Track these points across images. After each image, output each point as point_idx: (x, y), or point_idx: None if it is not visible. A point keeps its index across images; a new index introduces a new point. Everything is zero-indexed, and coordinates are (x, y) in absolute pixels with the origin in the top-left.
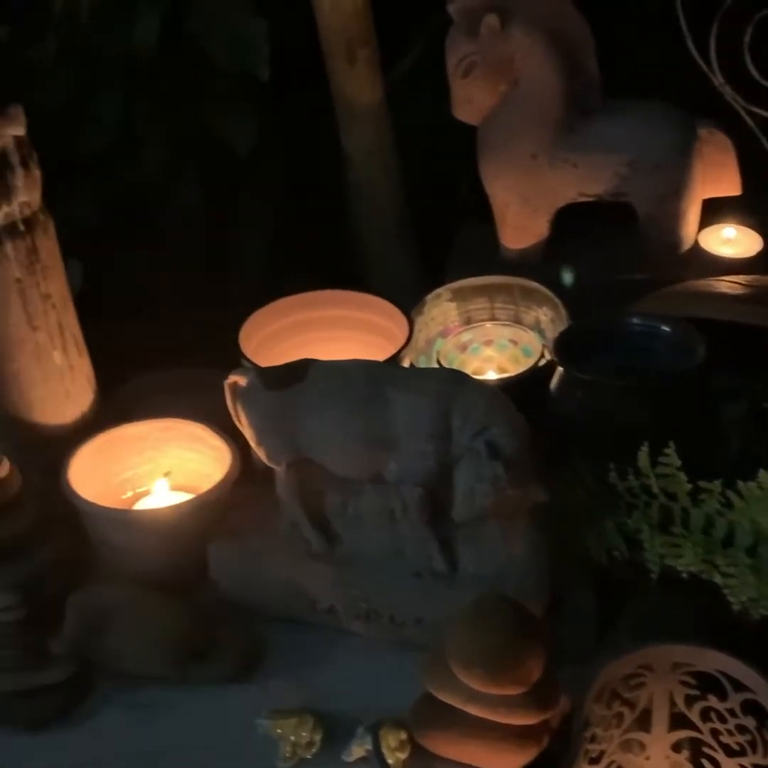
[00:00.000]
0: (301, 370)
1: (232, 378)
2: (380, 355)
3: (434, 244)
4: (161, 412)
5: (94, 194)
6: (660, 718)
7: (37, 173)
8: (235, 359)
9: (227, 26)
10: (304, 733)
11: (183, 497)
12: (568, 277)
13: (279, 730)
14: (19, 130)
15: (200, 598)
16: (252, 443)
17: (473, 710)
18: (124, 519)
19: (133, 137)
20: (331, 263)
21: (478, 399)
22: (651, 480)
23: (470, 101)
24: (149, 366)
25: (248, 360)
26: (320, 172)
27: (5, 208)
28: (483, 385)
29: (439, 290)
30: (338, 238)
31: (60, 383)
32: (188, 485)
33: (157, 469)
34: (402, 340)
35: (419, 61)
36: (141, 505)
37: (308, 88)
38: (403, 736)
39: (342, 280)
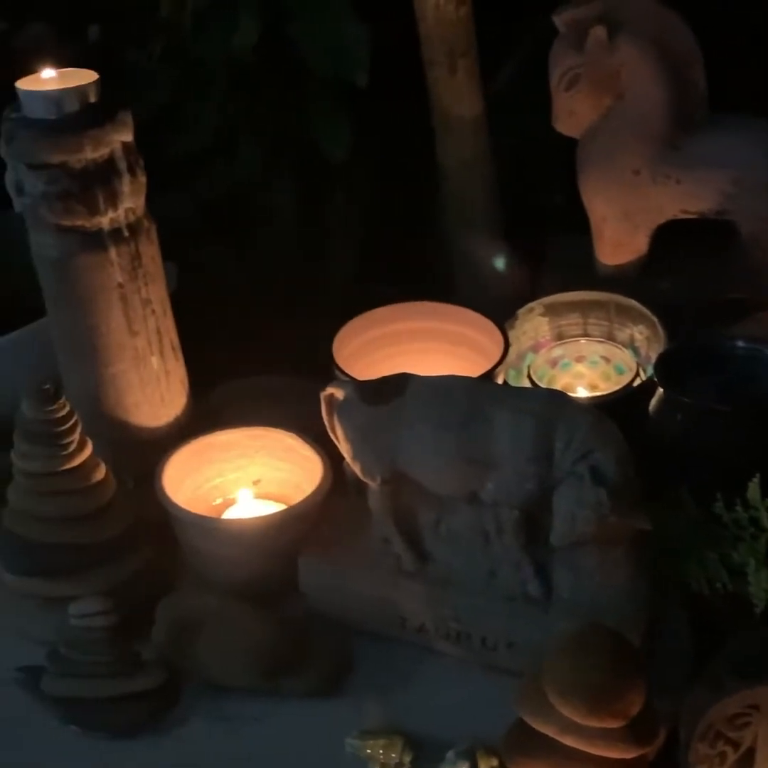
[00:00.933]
0: (399, 384)
1: (329, 390)
2: (473, 369)
3: (527, 256)
4: (249, 420)
5: (187, 197)
6: (765, 757)
7: (142, 179)
8: (325, 368)
9: (328, 32)
10: (393, 755)
11: (270, 506)
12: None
13: (368, 751)
14: (127, 136)
15: (288, 610)
16: (347, 457)
17: (569, 741)
18: (216, 528)
19: (229, 140)
20: (419, 273)
21: (582, 422)
22: (761, 513)
23: (572, 114)
24: (236, 371)
25: (342, 371)
26: (412, 181)
27: (111, 214)
28: (588, 407)
29: (531, 304)
30: (428, 249)
31: (156, 388)
32: (277, 494)
33: (245, 477)
34: (496, 356)
35: (516, 73)
36: (229, 513)
37: (404, 96)
38: (495, 762)
39: (430, 291)
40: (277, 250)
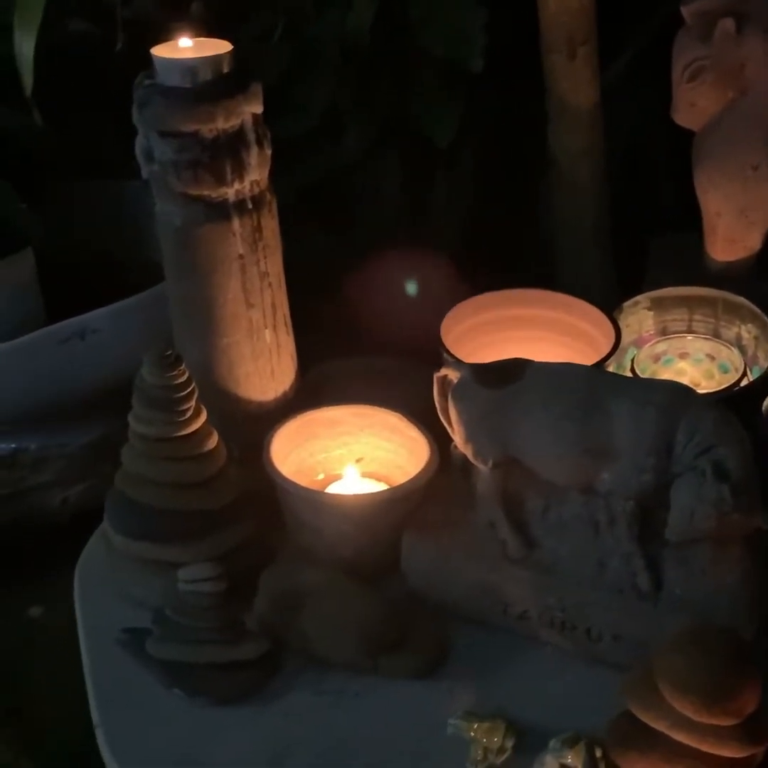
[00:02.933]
0: (518, 369)
1: (443, 371)
2: (580, 360)
3: (630, 249)
4: (348, 399)
5: (293, 176)
6: None
7: (268, 152)
8: (427, 350)
9: (445, 16)
10: (495, 739)
11: (373, 485)
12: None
13: (472, 733)
14: (258, 108)
15: (388, 589)
16: (459, 439)
17: (679, 737)
18: (325, 502)
19: (335, 123)
20: (519, 261)
21: (706, 416)
22: None
23: (693, 106)
24: (333, 353)
25: (450, 354)
26: (519, 168)
27: (237, 185)
28: (712, 402)
29: (637, 298)
30: (530, 237)
31: (267, 361)
32: (379, 473)
33: (349, 455)
34: (605, 347)
35: (630, 64)
36: (332, 489)
37: (515, 81)
38: (599, 753)
39: (530, 278)
40: (379, 233)
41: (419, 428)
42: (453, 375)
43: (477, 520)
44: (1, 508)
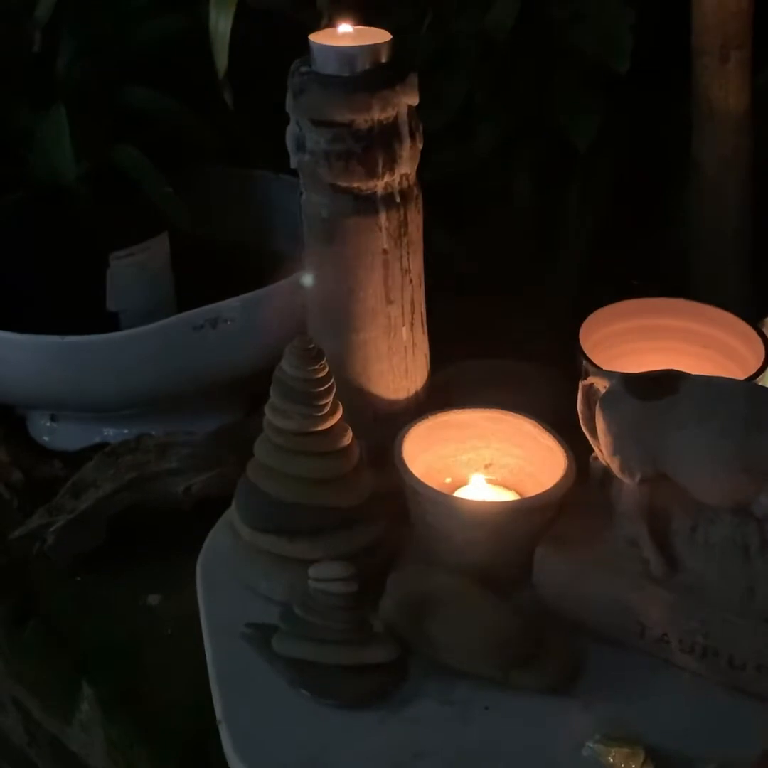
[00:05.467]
0: (672, 381)
1: (591, 380)
2: (724, 374)
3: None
4: (483, 401)
5: (423, 171)
6: None
7: (420, 145)
8: (560, 356)
9: (593, 15)
10: (633, 766)
11: (501, 493)
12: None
13: (610, 759)
14: (414, 100)
15: (517, 600)
16: (605, 451)
17: None
18: (458, 507)
19: (471, 119)
20: (653, 268)
21: None
22: None
23: None
24: (459, 355)
25: (590, 361)
26: (657, 174)
27: (387, 178)
28: None
29: None
30: (665, 245)
31: (402, 359)
32: (508, 481)
33: (477, 460)
34: (751, 363)
35: None
36: (460, 493)
37: (658, 86)
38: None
39: (665, 287)
40: (507, 236)
41: (555, 437)
42: (601, 384)
43: (616, 536)
44: (126, 491)
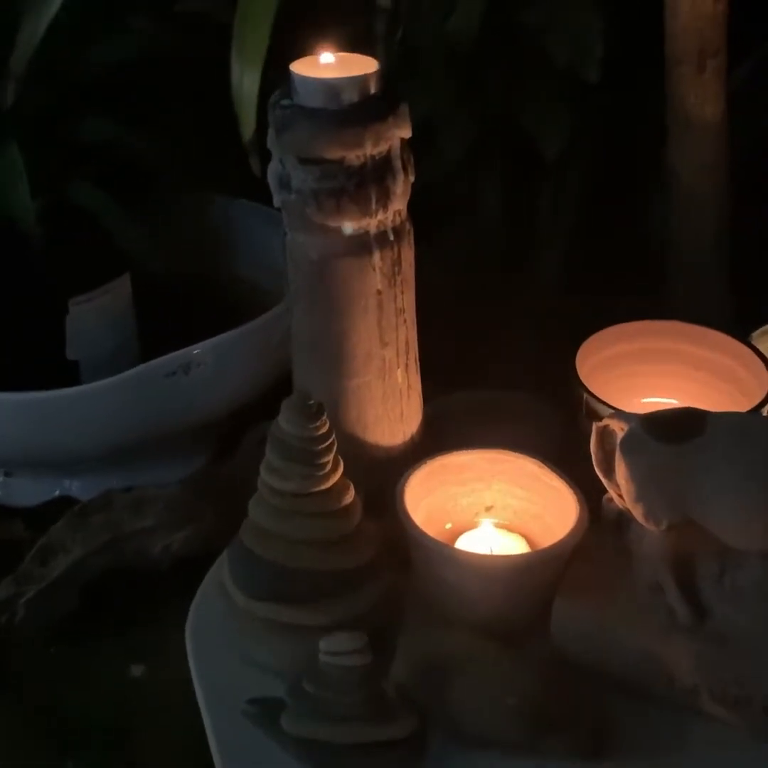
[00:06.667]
0: (696, 422)
1: (607, 422)
2: (727, 401)
3: (746, 270)
4: (479, 441)
5: None
6: None
7: (412, 178)
8: (549, 385)
9: (562, 22)
10: None
11: (511, 538)
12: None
13: None
14: (407, 132)
15: (535, 653)
16: (627, 498)
17: None
18: (474, 563)
19: (434, 129)
20: (628, 279)
21: None
22: None
23: None
24: (440, 380)
25: (593, 396)
26: (627, 184)
27: (380, 216)
28: None
29: (767, 326)
30: (639, 255)
31: (397, 403)
32: (513, 523)
33: (478, 503)
34: (754, 389)
35: (753, 72)
36: (463, 540)
37: (628, 94)
38: None
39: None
40: (477, 249)
41: (562, 477)
42: (618, 426)
43: (638, 583)
44: (99, 555)
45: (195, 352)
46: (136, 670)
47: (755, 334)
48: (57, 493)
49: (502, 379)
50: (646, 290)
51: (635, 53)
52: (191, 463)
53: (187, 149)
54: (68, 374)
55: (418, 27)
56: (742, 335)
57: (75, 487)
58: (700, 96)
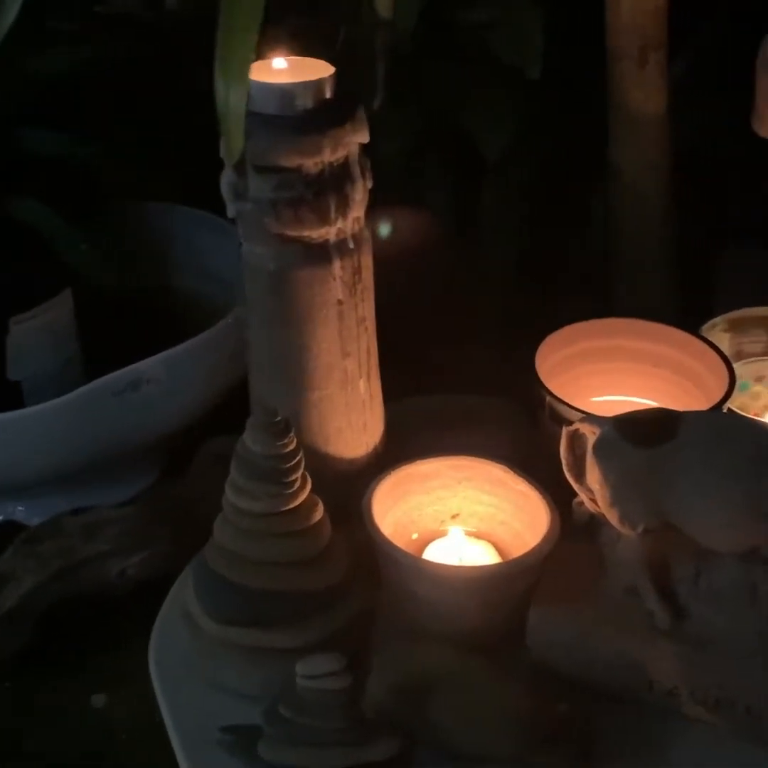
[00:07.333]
0: (670, 423)
1: (578, 426)
2: (686, 398)
3: (694, 266)
4: (433, 444)
5: None
6: None
7: (370, 184)
8: (503, 385)
9: (502, 19)
10: None
11: (476, 545)
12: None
13: None
14: (364, 137)
15: (513, 663)
16: (601, 502)
17: None
18: (449, 576)
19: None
20: (574, 279)
21: None
22: None
23: None
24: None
25: (555, 397)
26: (573, 181)
27: (339, 224)
28: None
29: (715, 319)
30: (585, 253)
31: (360, 414)
32: (480, 530)
33: (444, 511)
34: (713, 386)
35: (691, 67)
36: (432, 550)
37: (572, 90)
38: None
39: (586, 297)
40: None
41: (529, 481)
42: (589, 431)
43: (612, 588)
44: (52, 583)
45: (144, 368)
46: (97, 701)
47: (704, 328)
48: (0, 518)
49: (458, 382)
50: (590, 289)
51: (578, 50)
52: (141, 480)
53: (129, 158)
54: (10, 396)
55: (358, 27)
56: (692, 330)
57: (19, 512)
58: (642, 90)
